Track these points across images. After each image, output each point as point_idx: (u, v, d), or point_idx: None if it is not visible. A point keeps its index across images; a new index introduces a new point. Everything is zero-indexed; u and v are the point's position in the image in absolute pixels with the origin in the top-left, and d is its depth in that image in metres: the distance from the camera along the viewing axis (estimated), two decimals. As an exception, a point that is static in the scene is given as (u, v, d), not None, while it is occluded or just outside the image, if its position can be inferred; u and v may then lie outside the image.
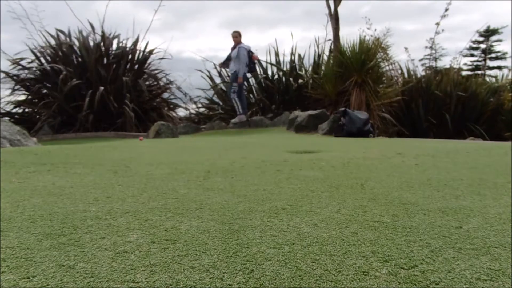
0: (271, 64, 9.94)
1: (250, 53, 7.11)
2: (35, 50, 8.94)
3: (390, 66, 7.87)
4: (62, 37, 9.19)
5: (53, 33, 9.18)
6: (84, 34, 9.27)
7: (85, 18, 13.24)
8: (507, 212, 1.20)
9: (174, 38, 26.36)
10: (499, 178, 1.74)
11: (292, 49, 11.30)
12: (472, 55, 20.14)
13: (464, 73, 11.60)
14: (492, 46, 20.04)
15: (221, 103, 10.41)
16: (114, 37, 9.43)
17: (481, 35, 19.17)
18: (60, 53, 8.85)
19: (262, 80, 9.82)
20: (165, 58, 10.13)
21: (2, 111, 9.17)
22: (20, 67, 9.05)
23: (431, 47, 9.57)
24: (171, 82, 10.49)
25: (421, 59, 10.80)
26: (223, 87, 10.46)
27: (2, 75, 8.83)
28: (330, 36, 8.36)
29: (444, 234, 1.00)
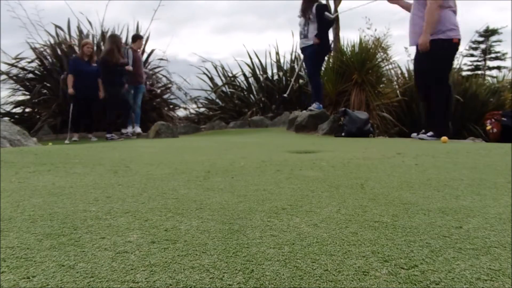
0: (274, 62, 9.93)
1: None
2: (35, 49, 8.92)
3: (390, 66, 7.87)
4: (61, 34, 9.18)
5: (53, 33, 9.18)
6: (84, 33, 9.27)
7: (85, 17, 13.25)
8: (507, 212, 1.20)
9: (168, 43, 26.72)
10: (499, 178, 1.74)
11: (293, 48, 11.28)
12: (472, 55, 20.16)
13: (464, 73, 11.61)
14: (492, 46, 20.03)
15: (221, 103, 10.41)
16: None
17: (480, 35, 19.18)
18: (60, 53, 8.84)
19: (262, 80, 9.81)
20: (163, 60, 10.12)
21: (2, 111, 9.16)
22: (20, 66, 9.04)
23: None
24: (171, 82, 10.48)
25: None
26: (224, 88, 10.46)
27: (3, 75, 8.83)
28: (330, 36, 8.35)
29: (444, 234, 1.00)
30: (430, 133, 4.48)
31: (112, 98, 6.83)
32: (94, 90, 6.97)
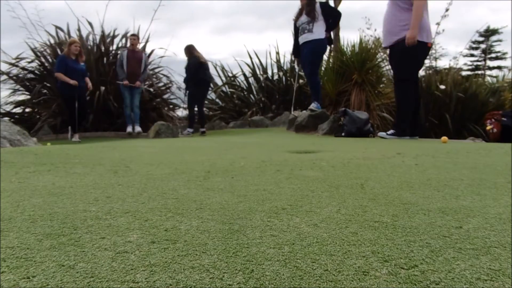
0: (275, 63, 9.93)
1: None
2: (35, 50, 8.92)
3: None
4: (61, 35, 9.17)
5: (53, 32, 9.17)
6: (84, 33, 9.26)
7: (85, 17, 13.25)
8: (507, 212, 1.20)
9: (167, 43, 26.79)
10: (499, 178, 1.74)
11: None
12: (472, 55, 20.18)
13: (464, 73, 11.61)
14: (492, 46, 20.05)
15: (221, 103, 10.42)
16: (114, 37, 9.41)
17: (481, 35, 19.20)
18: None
19: (262, 80, 9.81)
20: (165, 56, 10.15)
21: (2, 111, 9.16)
22: (20, 66, 9.04)
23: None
24: (171, 82, 10.47)
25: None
26: (224, 88, 10.47)
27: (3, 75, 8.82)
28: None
29: (444, 234, 1.00)
30: (390, 131, 4.55)
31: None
32: (82, 89, 6.94)
